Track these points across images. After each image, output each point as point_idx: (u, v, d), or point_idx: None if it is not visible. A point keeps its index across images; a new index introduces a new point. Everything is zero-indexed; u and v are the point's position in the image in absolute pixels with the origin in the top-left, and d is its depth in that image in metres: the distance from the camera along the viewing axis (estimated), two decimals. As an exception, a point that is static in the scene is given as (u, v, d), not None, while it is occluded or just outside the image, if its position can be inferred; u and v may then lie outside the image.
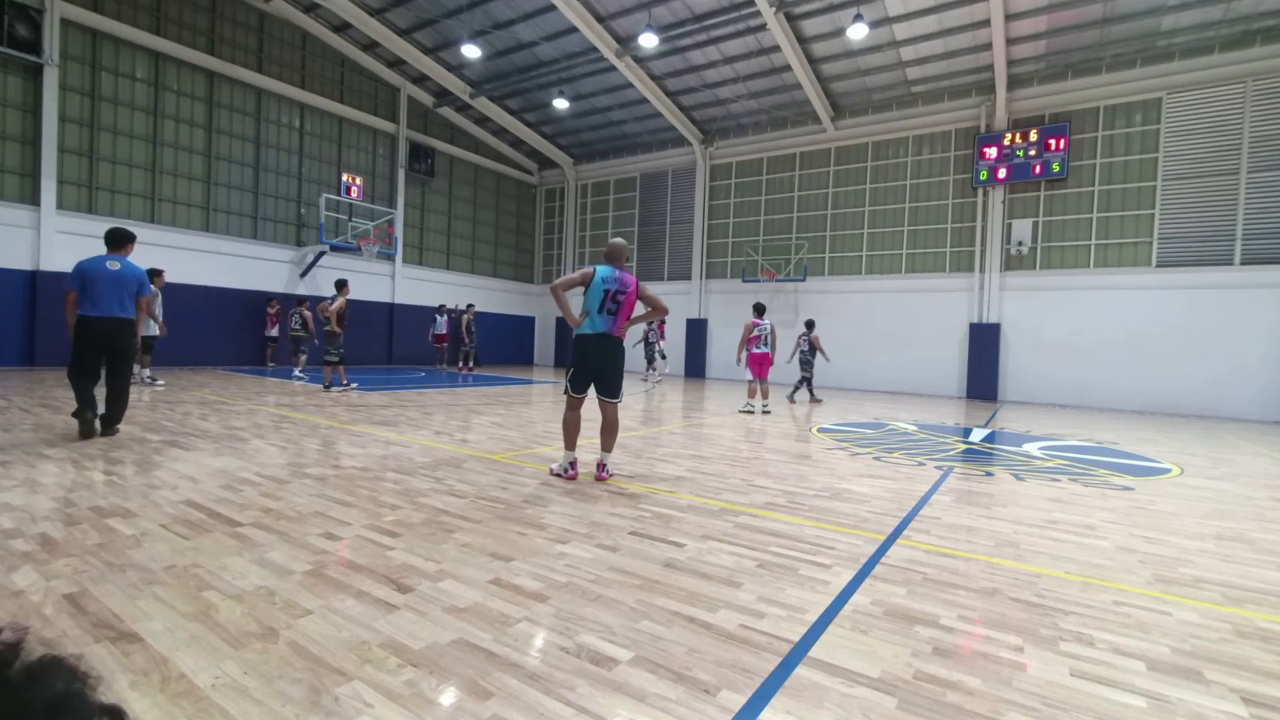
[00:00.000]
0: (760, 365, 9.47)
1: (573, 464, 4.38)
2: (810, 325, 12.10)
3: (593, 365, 4.36)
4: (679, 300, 19.61)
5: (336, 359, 9.96)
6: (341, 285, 10.00)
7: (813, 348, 11.94)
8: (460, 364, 16.48)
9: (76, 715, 0.53)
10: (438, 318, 17.10)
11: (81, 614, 2.02)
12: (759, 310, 9.59)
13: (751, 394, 9.70)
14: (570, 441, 4.40)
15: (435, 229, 19.95)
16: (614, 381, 4.40)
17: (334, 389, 9.93)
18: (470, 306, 16.71)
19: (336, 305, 9.73)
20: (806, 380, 12.03)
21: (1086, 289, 13.67)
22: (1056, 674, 1.93)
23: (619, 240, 4.52)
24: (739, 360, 9.67)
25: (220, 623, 2.00)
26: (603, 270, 4.33)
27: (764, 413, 9.31)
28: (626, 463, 5.05)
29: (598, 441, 4.55)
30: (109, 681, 1.64)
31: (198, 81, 14.08)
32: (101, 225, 12.62)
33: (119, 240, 5.23)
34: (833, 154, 16.95)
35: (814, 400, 12.10)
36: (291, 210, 15.96)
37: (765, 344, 9.47)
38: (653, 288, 20.32)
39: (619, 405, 4.48)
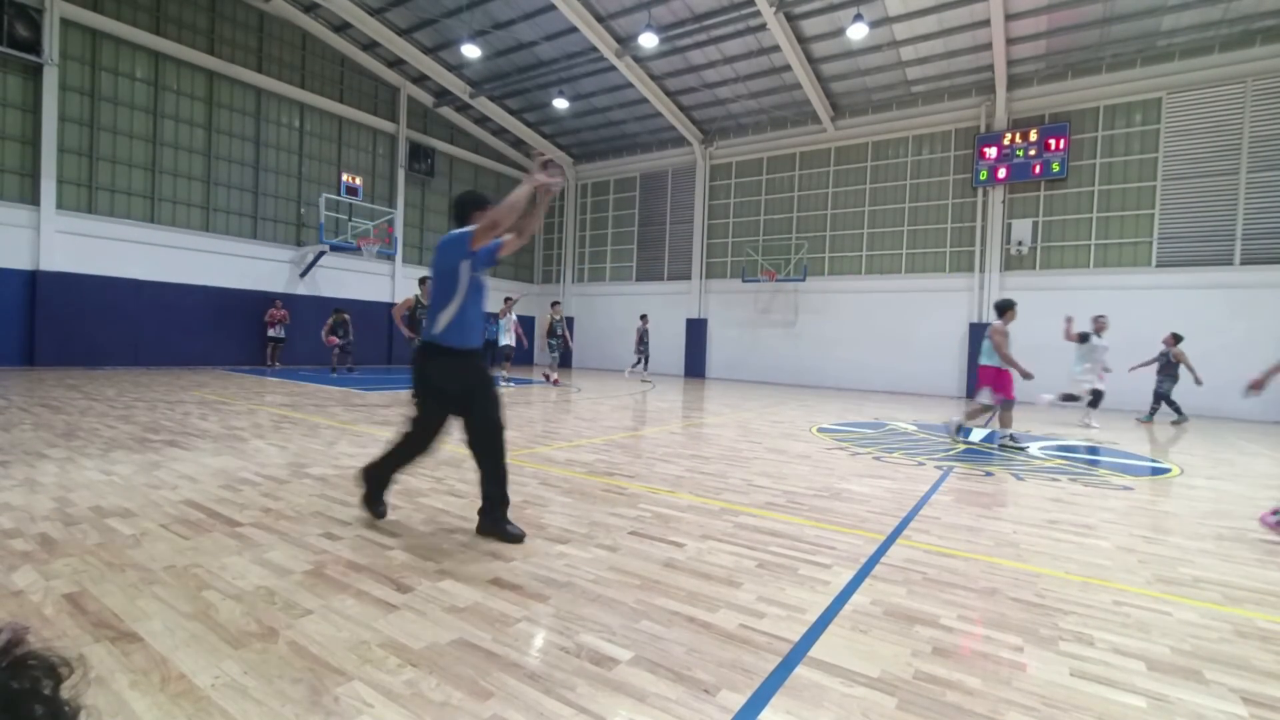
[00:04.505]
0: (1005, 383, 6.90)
1: None
2: (1178, 338, 10.35)
3: None
4: (679, 300, 19.62)
5: None
6: (420, 282, 8.72)
7: (1174, 363, 10.23)
8: (550, 371, 13.61)
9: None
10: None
11: (81, 614, 2.02)
12: (1006, 309, 6.95)
13: (1007, 422, 6.86)
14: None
15: (435, 229, 19.94)
16: None
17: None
18: (556, 305, 13.66)
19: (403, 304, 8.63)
20: (1164, 397, 10.45)
21: (1086, 289, 13.66)
22: (1056, 674, 1.93)
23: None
24: (1020, 373, 6.66)
25: (220, 622, 2.00)
26: None
27: (1009, 446, 6.73)
28: (626, 463, 5.06)
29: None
30: (108, 681, 1.64)
31: (197, 81, 14.07)
32: (101, 225, 12.67)
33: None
34: (833, 154, 16.95)
35: (1178, 420, 10.48)
36: (291, 210, 15.96)
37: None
38: (652, 287, 20.39)
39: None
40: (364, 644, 1.91)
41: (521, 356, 21.71)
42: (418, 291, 8.82)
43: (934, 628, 2.21)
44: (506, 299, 12.71)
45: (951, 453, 6.38)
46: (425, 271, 19.25)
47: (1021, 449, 6.64)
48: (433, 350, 3.02)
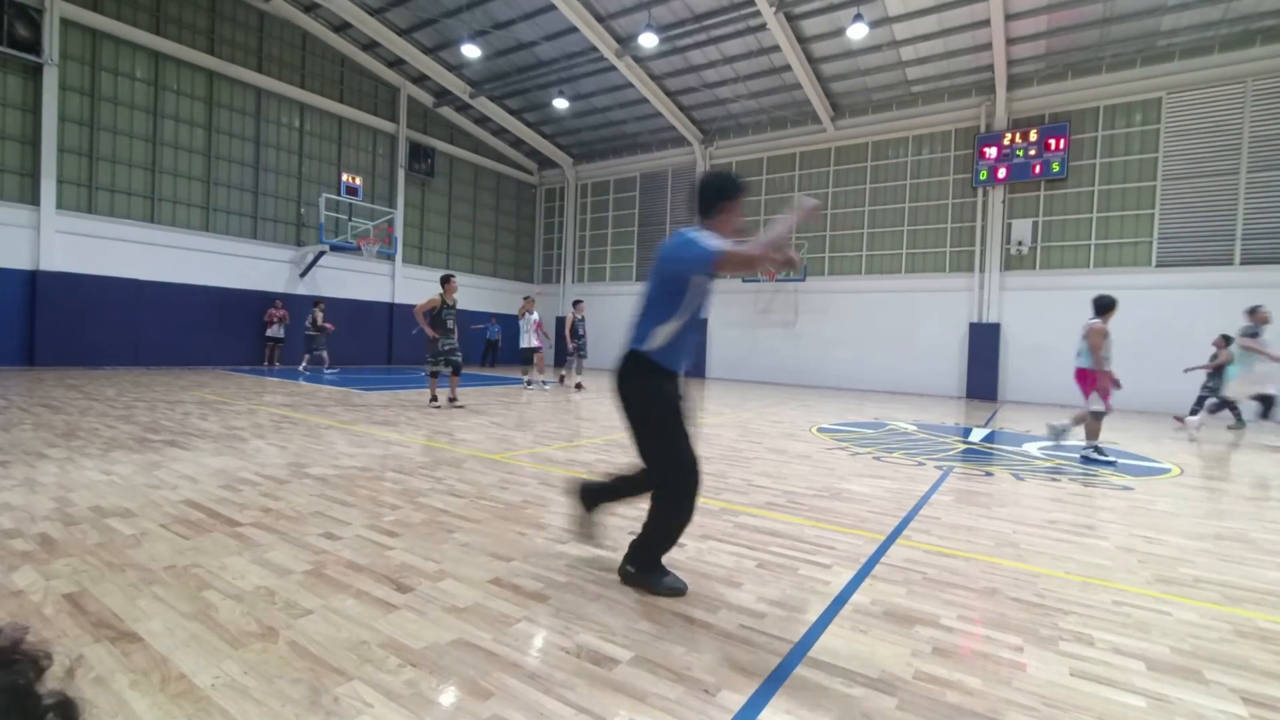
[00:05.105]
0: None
1: None
2: (1228, 339, 8.90)
3: None
4: (679, 300, 19.60)
5: (436, 368, 8.21)
6: (443, 280, 8.24)
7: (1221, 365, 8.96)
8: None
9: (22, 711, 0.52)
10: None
11: (81, 614, 2.02)
12: (1108, 307, 6.16)
13: (1094, 432, 6.14)
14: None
15: (435, 229, 19.95)
16: None
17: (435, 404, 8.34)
18: (578, 303, 12.66)
19: (425, 304, 8.08)
20: (1206, 396, 9.45)
21: (1086, 289, 13.62)
22: (1056, 674, 1.93)
23: None
24: (1105, 386, 6.03)
25: (220, 623, 2.00)
26: None
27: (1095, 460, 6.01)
28: (626, 463, 5.05)
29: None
30: (108, 681, 1.64)
31: (197, 81, 14.07)
32: (101, 225, 12.67)
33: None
34: (832, 154, 16.95)
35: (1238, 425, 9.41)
36: (291, 210, 15.96)
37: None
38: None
39: None
40: (364, 644, 1.91)
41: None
42: (440, 291, 8.27)
43: (934, 628, 2.21)
44: (525, 298, 12.61)
45: (951, 453, 6.38)
46: (427, 271, 19.26)
47: (1110, 463, 5.86)
48: (640, 361, 2.47)
